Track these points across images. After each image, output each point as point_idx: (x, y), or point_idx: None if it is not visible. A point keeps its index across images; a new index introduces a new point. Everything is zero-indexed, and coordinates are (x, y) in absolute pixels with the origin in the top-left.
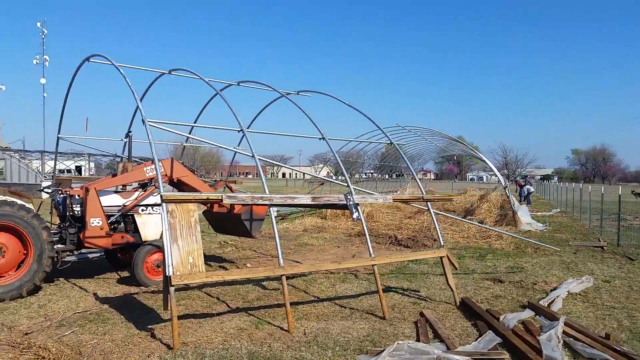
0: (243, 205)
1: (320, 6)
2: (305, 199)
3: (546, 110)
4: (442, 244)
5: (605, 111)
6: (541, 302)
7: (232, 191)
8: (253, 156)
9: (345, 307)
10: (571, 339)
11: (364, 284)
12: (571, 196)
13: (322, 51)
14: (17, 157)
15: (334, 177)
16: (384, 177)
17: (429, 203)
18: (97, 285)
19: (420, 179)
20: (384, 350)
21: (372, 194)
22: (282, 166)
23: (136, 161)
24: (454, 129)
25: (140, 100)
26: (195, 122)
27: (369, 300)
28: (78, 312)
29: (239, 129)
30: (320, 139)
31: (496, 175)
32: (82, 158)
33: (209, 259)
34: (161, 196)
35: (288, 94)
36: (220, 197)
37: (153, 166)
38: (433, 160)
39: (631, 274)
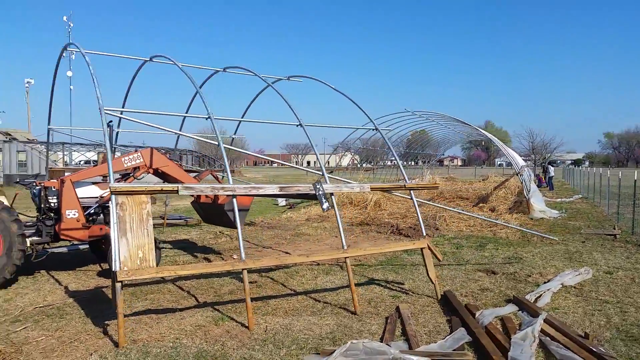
0: (228, 195)
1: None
2: (273, 189)
3: (578, 94)
4: (424, 234)
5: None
6: (528, 296)
7: (219, 181)
8: (219, 144)
9: (320, 301)
10: (548, 338)
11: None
12: (593, 181)
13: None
14: (38, 150)
15: (358, 165)
16: (409, 164)
17: (411, 191)
18: (75, 277)
19: (446, 165)
20: (335, 350)
21: (349, 182)
22: (256, 156)
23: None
24: (483, 114)
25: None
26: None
27: (347, 293)
28: (39, 307)
29: (207, 116)
30: (297, 125)
31: (523, 160)
32: (102, 149)
33: (199, 250)
34: (110, 188)
35: (276, 80)
36: (176, 188)
37: (132, 156)
38: (460, 145)
39: (638, 265)
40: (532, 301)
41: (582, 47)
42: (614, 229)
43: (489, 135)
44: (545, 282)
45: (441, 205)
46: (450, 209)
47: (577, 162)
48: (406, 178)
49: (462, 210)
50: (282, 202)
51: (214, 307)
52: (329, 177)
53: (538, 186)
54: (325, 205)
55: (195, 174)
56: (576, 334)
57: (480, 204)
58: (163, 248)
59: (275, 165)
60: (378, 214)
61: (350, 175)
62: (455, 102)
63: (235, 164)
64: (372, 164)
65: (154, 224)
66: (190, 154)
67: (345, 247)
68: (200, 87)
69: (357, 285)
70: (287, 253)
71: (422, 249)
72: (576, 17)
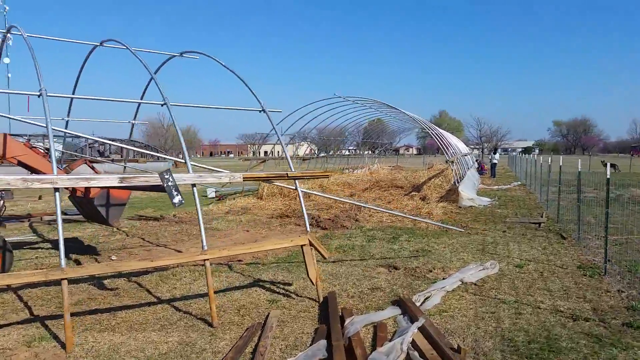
0: (100, 188)
1: None
2: (110, 180)
3: (529, 83)
4: (309, 229)
5: (587, 81)
6: (416, 297)
7: (95, 172)
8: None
9: (181, 311)
10: (416, 352)
11: (234, 278)
12: (531, 168)
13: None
14: None
15: (316, 155)
16: (365, 153)
17: (296, 181)
18: None
19: (402, 154)
20: None
21: (220, 171)
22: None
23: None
24: (439, 104)
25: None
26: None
27: (220, 299)
28: None
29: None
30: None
31: (476, 148)
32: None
33: (80, 250)
34: None
35: (172, 56)
36: None
37: None
38: (416, 134)
39: (552, 256)
40: (420, 302)
41: (535, 38)
42: (541, 217)
43: (421, 122)
44: (444, 279)
45: (343, 199)
46: (356, 202)
47: (527, 150)
48: (291, 167)
49: (365, 204)
50: (211, 193)
51: (46, 321)
52: (195, 165)
53: (480, 173)
54: (177, 199)
55: (65, 165)
56: (450, 347)
57: (413, 193)
58: (40, 248)
59: (232, 155)
60: (306, 205)
61: (308, 165)
62: (413, 93)
63: (189, 154)
64: (328, 153)
65: (49, 220)
66: (132, 144)
67: (206, 248)
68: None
69: (236, 288)
70: (179, 252)
71: (302, 246)
72: (526, 7)
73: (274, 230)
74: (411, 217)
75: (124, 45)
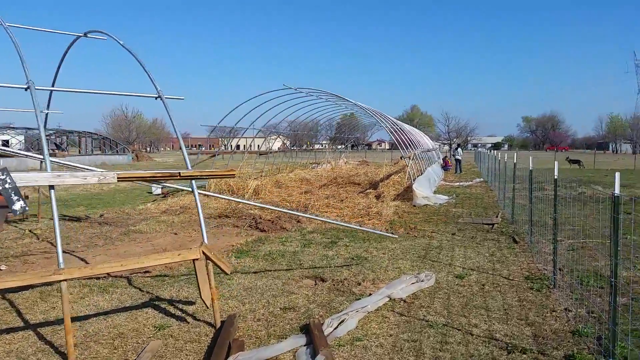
0: None
1: None
2: None
3: (499, 78)
4: (206, 240)
5: (556, 77)
6: (328, 321)
7: None
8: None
9: (42, 341)
10: None
11: (129, 296)
12: (493, 164)
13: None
14: None
15: (289, 148)
16: (339, 147)
17: (193, 183)
18: None
19: (374, 149)
20: None
21: (90, 169)
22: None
23: None
24: (410, 99)
25: None
26: None
27: (97, 325)
28: None
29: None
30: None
31: (444, 143)
32: (4, 132)
33: None
34: None
35: (78, 37)
36: None
37: None
38: (388, 129)
39: (499, 264)
40: (333, 327)
41: (507, 34)
42: (496, 217)
43: (374, 113)
44: (370, 294)
45: (253, 203)
46: (272, 207)
47: (496, 146)
48: (188, 164)
49: (291, 210)
50: (156, 189)
51: None
52: (54, 161)
53: (444, 169)
54: (18, 205)
55: None
56: None
57: (369, 190)
58: None
59: (203, 148)
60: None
61: (282, 159)
62: (386, 88)
63: (155, 146)
64: (301, 147)
65: None
66: (90, 137)
67: (62, 266)
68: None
69: (124, 310)
70: (85, 262)
71: (193, 260)
72: (497, 3)
73: (208, 232)
74: (340, 223)
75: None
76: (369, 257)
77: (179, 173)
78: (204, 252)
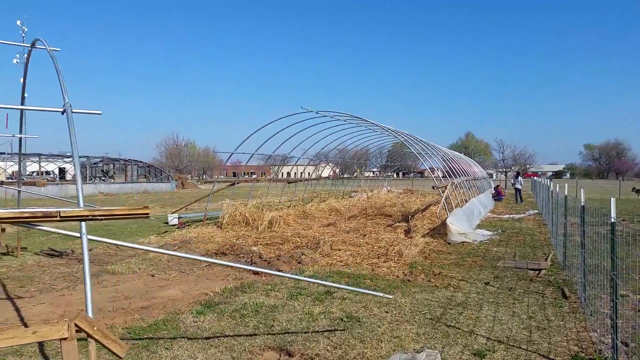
0: None
1: None
2: None
3: (559, 106)
4: (90, 312)
5: (620, 105)
6: None
7: None
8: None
9: None
10: None
11: None
12: (548, 194)
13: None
14: None
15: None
16: (388, 175)
17: (83, 225)
18: None
19: (426, 177)
20: None
21: None
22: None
23: None
24: (465, 126)
25: None
26: None
27: None
28: None
29: None
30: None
31: (500, 172)
32: (63, 160)
33: None
34: None
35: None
36: None
37: None
38: (441, 157)
39: (538, 333)
40: None
41: (566, 61)
42: (546, 259)
43: (402, 137)
44: None
45: (161, 251)
46: (195, 257)
47: (557, 174)
48: (80, 200)
49: (235, 264)
50: (172, 220)
51: None
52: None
53: (496, 199)
54: None
55: None
56: None
57: (398, 223)
58: None
59: (255, 176)
60: (268, 236)
61: (330, 187)
62: (438, 116)
63: (207, 174)
64: (352, 174)
65: None
66: (136, 165)
67: None
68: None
69: None
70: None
71: (61, 340)
72: (556, 29)
73: (190, 274)
74: (311, 280)
75: None
76: (364, 317)
77: (59, 213)
78: (79, 328)
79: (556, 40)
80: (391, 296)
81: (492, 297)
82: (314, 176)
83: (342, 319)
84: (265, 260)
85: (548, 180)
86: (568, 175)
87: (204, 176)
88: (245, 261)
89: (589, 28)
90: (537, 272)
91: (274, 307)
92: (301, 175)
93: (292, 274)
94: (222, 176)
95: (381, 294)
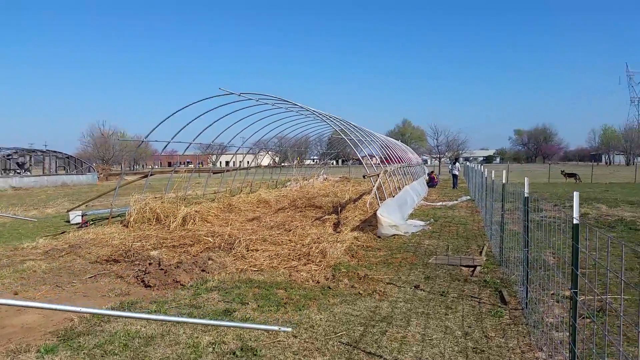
0: None
1: None
2: None
3: (492, 92)
4: None
5: (549, 89)
6: None
7: None
8: None
9: None
10: None
11: None
12: (483, 181)
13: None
14: None
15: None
16: (325, 163)
17: None
18: None
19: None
20: None
21: None
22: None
23: None
24: (401, 114)
25: None
26: None
27: None
28: None
29: None
30: None
31: (434, 157)
32: None
33: None
34: None
35: None
36: None
37: None
38: (379, 144)
39: (477, 357)
40: None
41: (500, 47)
42: (480, 253)
43: (329, 119)
44: None
45: None
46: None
47: (488, 159)
48: None
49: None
50: (75, 217)
51: None
52: None
53: (430, 186)
54: None
55: None
56: None
57: (328, 216)
58: None
59: (191, 165)
60: (183, 234)
61: (270, 176)
62: (377, 102)
63: (140, 164)
64: (292, 162)
65: None
66: (55, 156)
67: None
68: None
69: None
70: None
71: None
72: (491, 16)
73: (67, 289)
74: (186, 320)
75: None
76: (264, 348)
77: None
78: None
79: (488, 24)
80: (290, 329)
81: (421, 305)
82: (252, 165)
83: (234, 353)
84: (162, 269)
85: (480, 166)
86: (498, 160)
87: (136, 167)
88: (139, 271)
89: (519, 9)
90: (472, 269)
91: (151, 337)
92: (239, 165)
93: (192, 285)
94: (157, 166)
95: (276, 328)
